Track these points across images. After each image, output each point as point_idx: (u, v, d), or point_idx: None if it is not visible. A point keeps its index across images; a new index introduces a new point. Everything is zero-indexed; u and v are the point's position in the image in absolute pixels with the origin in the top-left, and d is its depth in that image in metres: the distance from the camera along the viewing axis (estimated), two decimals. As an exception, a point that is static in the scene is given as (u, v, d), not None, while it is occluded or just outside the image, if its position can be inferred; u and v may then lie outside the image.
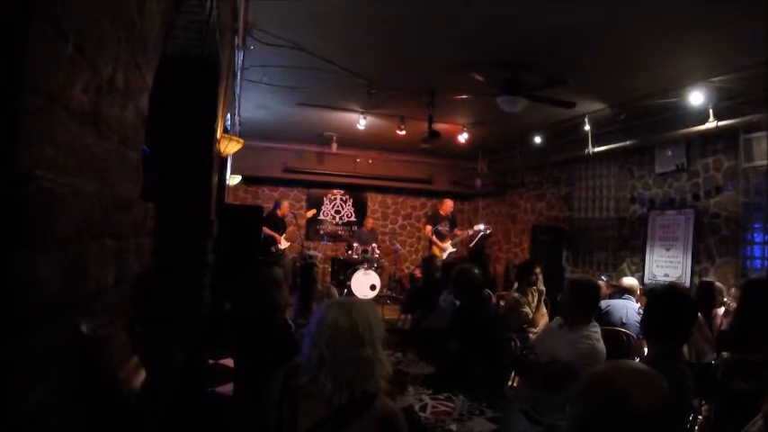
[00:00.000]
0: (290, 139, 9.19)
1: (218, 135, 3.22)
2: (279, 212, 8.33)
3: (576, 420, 1.18)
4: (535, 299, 4.72)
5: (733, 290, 4.53)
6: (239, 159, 6.98)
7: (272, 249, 7.81)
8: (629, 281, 4.75)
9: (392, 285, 9.69)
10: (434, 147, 7.46)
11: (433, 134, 6.34)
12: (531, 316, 4.57)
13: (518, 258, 9.12)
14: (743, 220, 5.52)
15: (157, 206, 1.62)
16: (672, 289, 2.22)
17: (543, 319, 4.60)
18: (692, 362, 3.49)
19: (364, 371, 1.52)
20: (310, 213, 9.85)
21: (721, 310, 4.29)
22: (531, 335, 4.40)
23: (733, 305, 4.22)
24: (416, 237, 11.05)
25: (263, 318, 2.72)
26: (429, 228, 8.58)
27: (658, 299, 2.20)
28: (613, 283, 6.18)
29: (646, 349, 2.96)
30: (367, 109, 6.63)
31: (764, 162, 5.23)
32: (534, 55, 4.52)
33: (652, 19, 3.74)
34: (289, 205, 8.74)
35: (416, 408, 2.32)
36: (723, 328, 3.84)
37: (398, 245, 10.12)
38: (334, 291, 4.84)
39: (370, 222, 9.90)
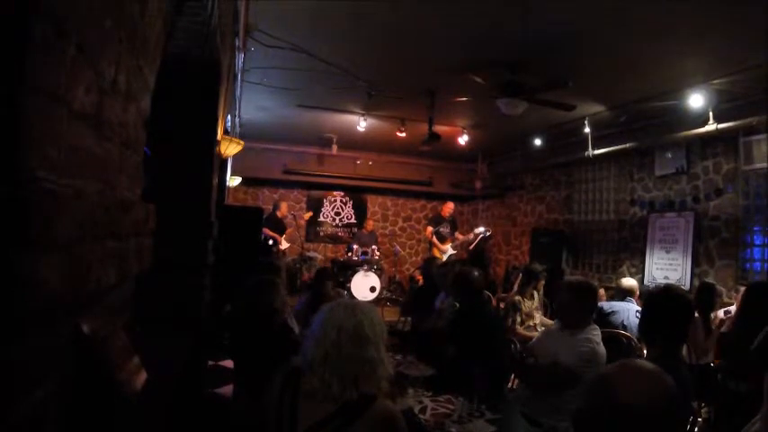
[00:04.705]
0: (290, 141, 9.20)
1: (219, 136, 3.22)
2: (278, 214, 8.35)
3: (573, 419, 1.21)
4: (535, 301, 4.72)
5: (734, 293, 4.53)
6: (239, 161, 6.99)
7: (274, 250, 7.83)
8: (628, 282, 4.62)
9: (392, 287, 9.69)
10: (434, 149, 7.47)
11: (434, 136, 6.34)
12: (533, 318, 4.57)
13: (518, 261, 9.11)
14: (743, 223, 5.53)
15: (158, 207, 1.62)
16: (668, 290, 2.23)
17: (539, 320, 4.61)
18: (691, 363, 3.50)
19: (368, 370, 1.55)
20: (307, 216, 9.84)
21: (720, 313, 4.29)
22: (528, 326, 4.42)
23: (733, 308, 4.23)
24: (416, 239, 11.04)
25: (261, 319, 2.72)
26: (430, 229, 8.60)
27: (654, 300, 2.21)
28: (612, 285, 6.15)
29: (645, 351, 2.96)
30: (367, 111, 6.64)
31: (764, 165, 5.24)
32: (534, 57, 4.53)
33: (652, 21, 3.75)
34: (287, 207, 8.75)
35: (416, 410, 2.32)
36: (723, 329, 3.84)
37: (398, 247, 10.12)
38: (344, 293, 4.83)
39: (369, 224, 9.90)
